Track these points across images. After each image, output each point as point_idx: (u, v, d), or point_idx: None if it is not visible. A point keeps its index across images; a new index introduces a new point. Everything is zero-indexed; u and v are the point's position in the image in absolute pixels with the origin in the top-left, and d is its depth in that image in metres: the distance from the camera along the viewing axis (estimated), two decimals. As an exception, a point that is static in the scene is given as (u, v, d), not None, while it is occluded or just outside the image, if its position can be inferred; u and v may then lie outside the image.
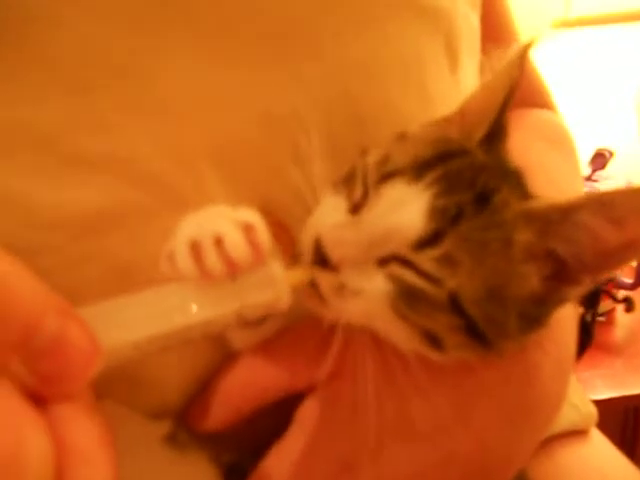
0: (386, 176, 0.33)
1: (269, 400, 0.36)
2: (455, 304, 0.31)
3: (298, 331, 0.37)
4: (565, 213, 0.31)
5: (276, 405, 0.36)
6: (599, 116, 1.40)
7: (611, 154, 1.29)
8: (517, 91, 0.36)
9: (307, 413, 0.36)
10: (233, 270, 0.30)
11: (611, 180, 1.27)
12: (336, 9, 0.38)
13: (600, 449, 0.58)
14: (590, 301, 1.14)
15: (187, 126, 0.34)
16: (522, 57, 0.36)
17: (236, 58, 0.36)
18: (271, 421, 0.37)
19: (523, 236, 0.32)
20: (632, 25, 1.31)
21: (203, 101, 0.35)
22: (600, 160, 1.29)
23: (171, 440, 0.37)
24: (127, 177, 0.33)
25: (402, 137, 0.37)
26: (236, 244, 0.30)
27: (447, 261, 0.30)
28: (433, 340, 0.32)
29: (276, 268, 0.32)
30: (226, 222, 0.31)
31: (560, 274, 0.32)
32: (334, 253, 0.32)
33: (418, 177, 0.32)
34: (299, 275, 0.34)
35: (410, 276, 0.31)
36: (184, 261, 0.30)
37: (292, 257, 0.35)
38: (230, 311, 0.30)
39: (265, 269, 0.31)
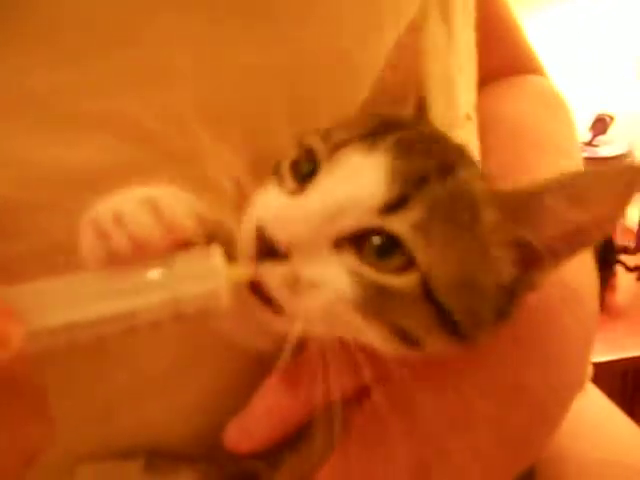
0: (337, 146, 0.31)
1: (300, 423, 0.34)
2: (427, 291, 0.29)
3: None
4: (530, 197, 0.31)
5: None
6: (599, 81, 1.39)
7: (611, 119, 1.29)
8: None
9: (355, 425, 0.33)
10: (141, 252, 0.27)
11: (612, 145, 1.27)
12: None
13: (595, 402, 0.60)
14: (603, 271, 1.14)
15: (179, 88, 0.35)
16: (416, 27, 0.35)
17: (222, 14, 0.36)
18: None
19: (490, 216, 0.30)
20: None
21: (194, 63, 0.35)
22: (601, 125, 1.29)
23: (151, 468, 0.38)
24: (122, 136, 0.34)
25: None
26: (138, 220, 0.27)
27: (421, 228, 0.28)
28: (407, 338, 0.30)
29: (216, 258, 0.28)
30: (126, 200, 0.29)
31: (525, 260, 0.32)
32: (282, 234, 0.28)
33: (373, 144, 0.30)
34: (246, 270, 0.29)
35: (369, 272, 0.29)
36: (88, 244, 0.28)
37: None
38: (159, 302, 0.27)
39: (203, 259, 0.28)
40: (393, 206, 0.29)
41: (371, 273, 0.29)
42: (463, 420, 0.33)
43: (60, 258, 0.35)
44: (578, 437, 0.54)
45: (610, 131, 1.29)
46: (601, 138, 1.29)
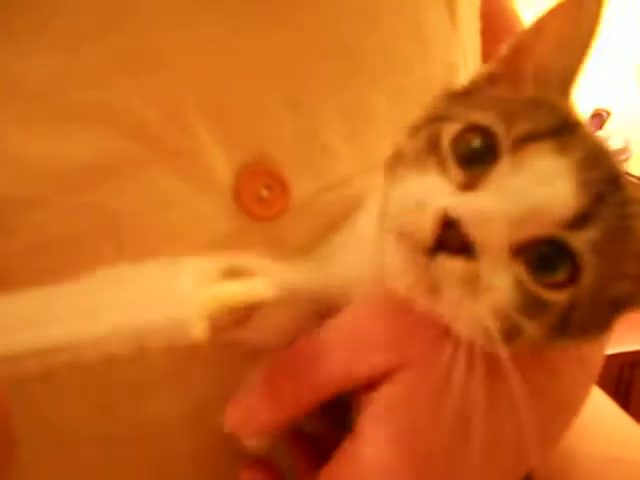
0: (522, 139, 0.29)
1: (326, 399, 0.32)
2: (569, 306, 0.28)
3: (358, 316, 0.33)
4: None
5: None
6: (597, 76, 1.39)
7: (608, 114, 1.28)
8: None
9: (384, 405, 0.31)
10: None
11: (608, 140, 1.27)
12: None
13: (595, 398, 0.59)
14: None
15: (175, 77, 0.34)
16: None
17: (220, 2, 0.35)
18: None
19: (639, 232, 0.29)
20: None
21: (190, 50, 0.35)
22: (597, 120, 1.29)
23: None
24: (117, 129, 0.33)
25: (465, 94, 0.34)
26: None
27: (595, 249, 0.27)
28: (512, 334, 0.29)
29: (184, 279, 0.23)
30: None
31: None
32: (479, 234, 0.27)
33: (562, 148, 0.28)
34: (226, 292, 0.25)
35: (531, 284, 0.28)
36: None
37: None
38: (107, 332, 0.22)
39: (168, 278, 0.23)
40: (578, 220, 0.27)
41: (532, 285, 0.28)
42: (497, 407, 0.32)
43: (57, 254, 0.34)
44: (579, 433, 0.54)
45: (607, 126, 1.29)
46: (598, 133, 1.29)
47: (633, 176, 1.24)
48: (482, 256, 0.27)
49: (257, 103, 0.36)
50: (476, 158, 0.29)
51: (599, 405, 0.59)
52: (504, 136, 0.29)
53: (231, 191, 0.36)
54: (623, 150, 1.25)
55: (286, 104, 0.37)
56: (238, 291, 0.25)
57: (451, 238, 0.27)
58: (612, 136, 1.28)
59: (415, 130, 0.33)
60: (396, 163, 0.32)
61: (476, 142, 0.30)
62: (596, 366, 0.38)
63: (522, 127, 0.29)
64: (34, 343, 0.22)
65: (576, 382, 0.36)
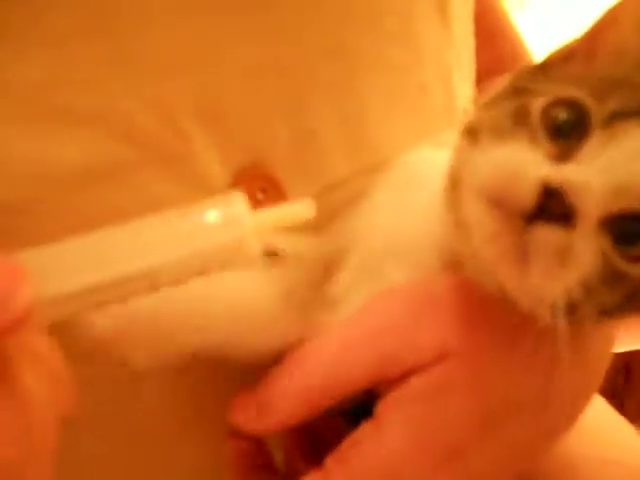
0: (615, 115, 0.29)
1: (356, 391, 0.31)
2: None
3: (407, 295, 0.33)
4: None
5: None
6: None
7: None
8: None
9: (410, 396, 0.31)
10: None
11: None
12: None
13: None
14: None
15: (170, 80, 0.34)
16: None
17: (219, 3, 0.35)
18: None
19: None
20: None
21: (186, 53, 0.34)
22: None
23: None
24: (110, 133, 0.33)
25: (542, 69, 0.34)
26: None
27: None
28: (572, 310, 0.28)
29: (239, 205, 0.26)
30: None
31: None
32: (580, 203, 0.27)
33: None
34: (272, 217, 0.28)
35: (614, 256, 0.28)
36: None
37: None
38: (182, 257, 0.25)
39: (224, 207, 0.26)
40: None
41: (615, 257, 0.28)
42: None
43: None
44: (575, 434, 0.54)
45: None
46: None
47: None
48: (578, 227, 0.27)
49: (253, 106, 0.36)
50: (565, 131, 0.29)
51: (594, 407, 0.59)
52: (595, 111, 0.29)
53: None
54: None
55: (283, 107, 0.37)
56: (284, 213, 0.28)
57: (548, 207, 0.27)
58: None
59: (494, 101, 0.33)
60: (474, 131, 0.31)
61: (566, 115, 0.30)
62: (604, 368, 0.38)
63: (613, 104, 0.29)
64: (117, 274, 0.24)
65: (591, 377, 0.36)
